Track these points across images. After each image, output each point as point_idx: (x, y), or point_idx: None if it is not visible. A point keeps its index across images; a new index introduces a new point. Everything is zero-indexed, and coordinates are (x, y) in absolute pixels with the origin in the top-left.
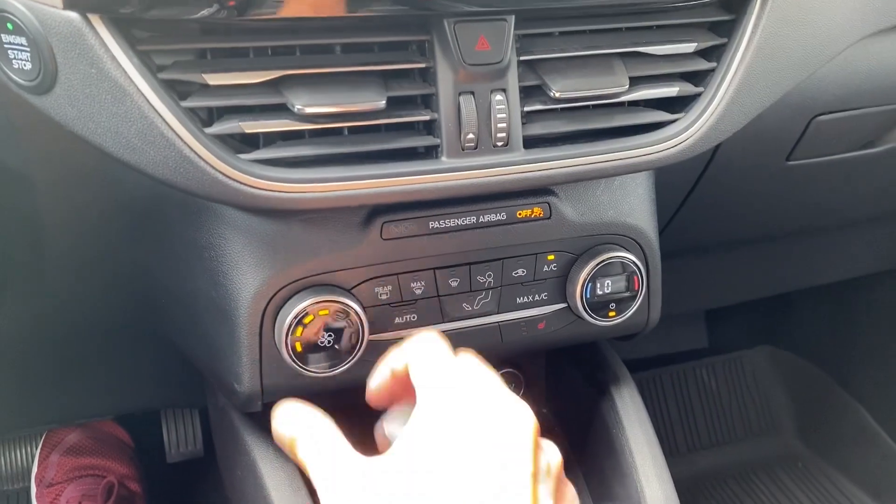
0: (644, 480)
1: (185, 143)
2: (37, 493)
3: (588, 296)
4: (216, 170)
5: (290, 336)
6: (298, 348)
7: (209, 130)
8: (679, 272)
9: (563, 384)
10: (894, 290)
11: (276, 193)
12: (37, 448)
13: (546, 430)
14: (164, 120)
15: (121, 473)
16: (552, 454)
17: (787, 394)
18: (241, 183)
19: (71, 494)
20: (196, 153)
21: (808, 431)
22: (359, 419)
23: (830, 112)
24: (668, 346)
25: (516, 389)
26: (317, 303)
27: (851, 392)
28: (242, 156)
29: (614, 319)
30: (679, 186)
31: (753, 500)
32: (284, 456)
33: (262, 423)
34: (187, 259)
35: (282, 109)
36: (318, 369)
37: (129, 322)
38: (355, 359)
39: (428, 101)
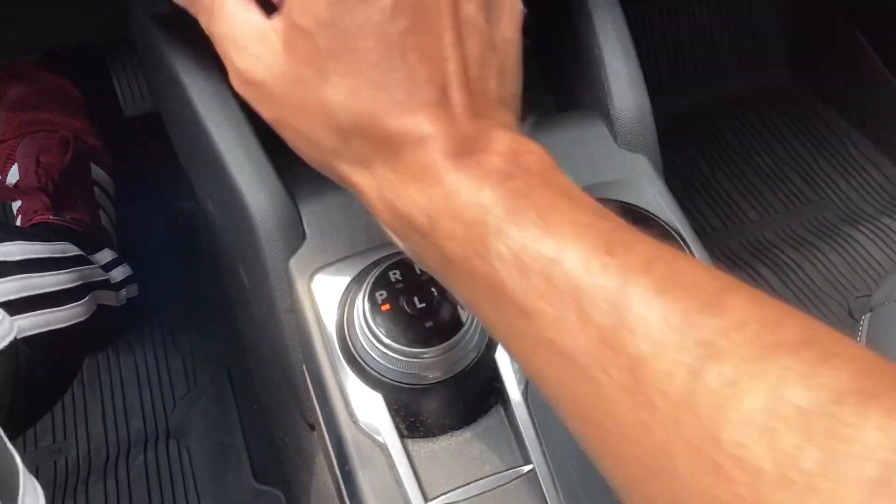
0: (614, 84)
1: None
2: None
3: None
4: None
5: None
6: None
7: None
8: None
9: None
10: None
11: None
12: None
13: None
14: None
15: (75, 128)
16: None
17: (784, 26)
18: None
19: (26, 149)
20: None
21: (801, 64)
22: None
23: None
24: None
25: None
26: None
27: (853, 19)
28: None
29: None
30: None
31: (736, 134)
32: (211, 66)
33: (178, 27)
34: None
35: None
36: None
37: None
38: None
39: None
